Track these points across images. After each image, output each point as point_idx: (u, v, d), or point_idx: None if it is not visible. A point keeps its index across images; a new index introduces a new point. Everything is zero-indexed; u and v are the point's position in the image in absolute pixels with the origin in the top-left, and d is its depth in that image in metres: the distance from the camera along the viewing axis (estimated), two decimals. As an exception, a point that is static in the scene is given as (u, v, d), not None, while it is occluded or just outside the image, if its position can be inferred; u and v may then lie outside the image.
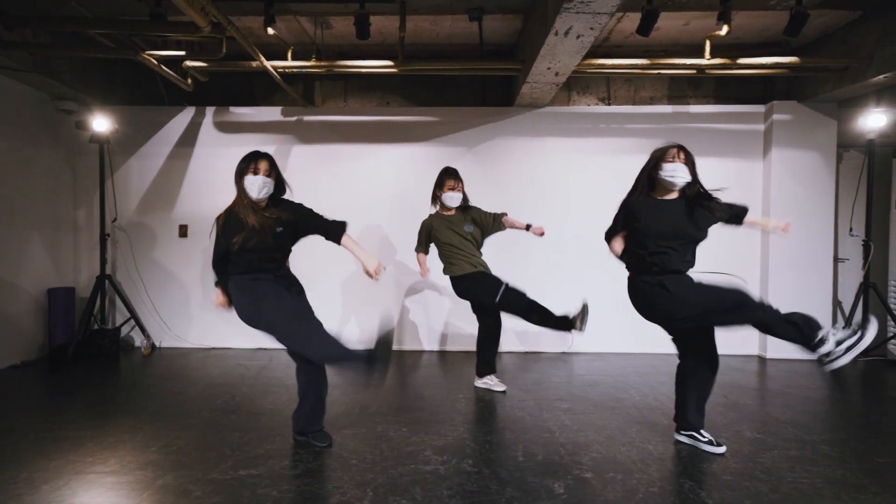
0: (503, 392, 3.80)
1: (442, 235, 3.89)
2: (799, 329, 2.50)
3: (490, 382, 3.90)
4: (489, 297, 3.73)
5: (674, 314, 2.63)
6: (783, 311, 2.57)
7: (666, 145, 2.74)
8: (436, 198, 3.95)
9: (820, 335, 2.45)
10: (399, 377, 4.29)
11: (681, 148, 2.71)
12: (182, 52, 4.34)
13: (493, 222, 3.92)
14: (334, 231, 2.78)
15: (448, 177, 3.90)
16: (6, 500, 2.20)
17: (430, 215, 4.02)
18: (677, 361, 2.93)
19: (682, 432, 2.87)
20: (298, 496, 2.25)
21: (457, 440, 2.90)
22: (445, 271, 3.92)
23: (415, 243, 4.10)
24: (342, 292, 5.34)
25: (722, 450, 2.72)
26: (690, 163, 2.71)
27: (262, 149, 5.46)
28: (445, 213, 3.95)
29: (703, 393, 2.84)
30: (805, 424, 3.19)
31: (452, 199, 3.86)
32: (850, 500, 2.25)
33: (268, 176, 2.73)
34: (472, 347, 4.91)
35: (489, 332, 3.90)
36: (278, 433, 2.97)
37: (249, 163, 2.74)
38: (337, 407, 3.46)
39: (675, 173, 2.66)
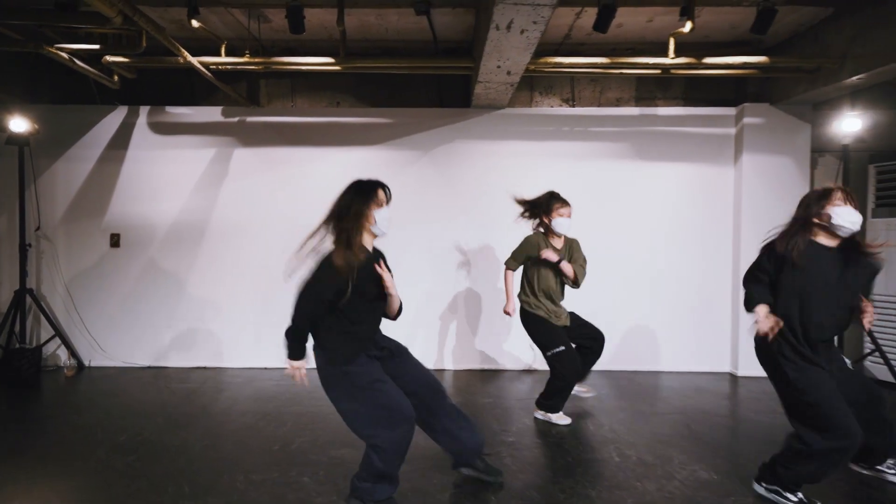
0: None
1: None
2: None
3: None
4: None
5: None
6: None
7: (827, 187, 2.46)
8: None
9: None
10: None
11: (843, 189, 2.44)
12: (97, 46, 3.95)
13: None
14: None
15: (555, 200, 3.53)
16: None
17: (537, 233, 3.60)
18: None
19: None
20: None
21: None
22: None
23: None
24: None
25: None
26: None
27: (201, 152, 5.11)
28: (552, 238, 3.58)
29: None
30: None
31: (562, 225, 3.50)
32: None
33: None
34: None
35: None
36: (172, 481, 2.60)
37: (378, 189, 2.32)
38: (253, 442, 3.10)
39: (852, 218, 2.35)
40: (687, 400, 4.04)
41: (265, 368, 4.86)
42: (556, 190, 3.61)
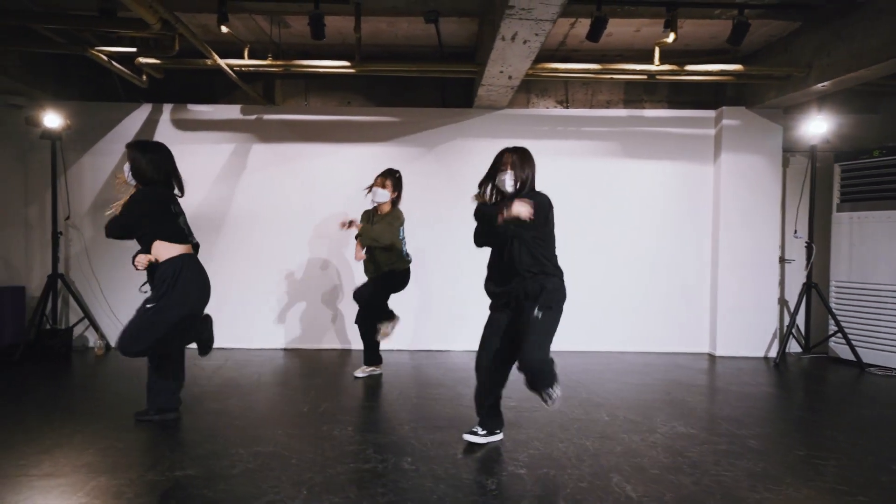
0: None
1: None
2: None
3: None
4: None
5: None
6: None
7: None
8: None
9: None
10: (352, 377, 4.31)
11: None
12: (134, 49, 4.28)
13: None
14: None
15: (379, 175, 4.10)
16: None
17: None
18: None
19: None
20: (230, 496, 2.27)
21: (400, 439, 2.95)
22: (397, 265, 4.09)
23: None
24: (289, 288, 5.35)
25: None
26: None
27: (221, 147, 5.46)
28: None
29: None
30: (738, 420, 3.33)
31: (377, 194, 4.04)
32: (765, 491, 2.36)
33: None
34: (426, 346, 5.04)
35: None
36: (221, 434, 2.98)
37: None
38: (284, 406, 3.48)
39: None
40: (668, 374, 4.48)
41: (282, 349, 5.23)
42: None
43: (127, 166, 3.01)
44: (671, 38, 4.10)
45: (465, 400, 3.67)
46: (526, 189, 2.76)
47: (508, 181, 2.74)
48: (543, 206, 2.66)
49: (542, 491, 2.35)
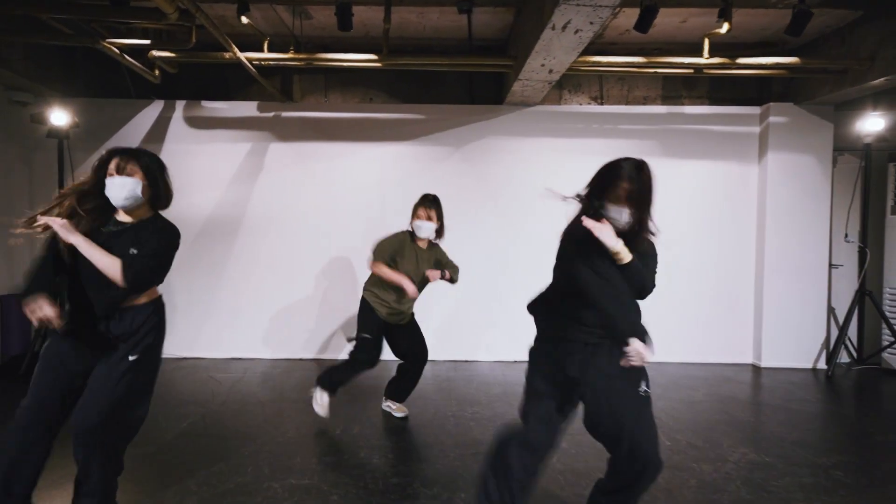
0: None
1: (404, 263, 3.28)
2: None
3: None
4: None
5: None
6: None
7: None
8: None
9: None
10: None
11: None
12: (147, 41, 4.00)
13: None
14: None
15: (421, 204, 3.33)
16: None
17: (406, 232, 3.38)
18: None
19: None
20: (271, 545, 2.00)
21: (446, 469, 2.67)
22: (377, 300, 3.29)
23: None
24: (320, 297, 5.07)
25: None
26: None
27: (237, 146, 5.17)
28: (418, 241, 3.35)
29: None
30: (811, 445, 3.04)
31: (423, 229, 3.28)
32: (874, 538, 2.08)
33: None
34: (451, 357, 4.80)
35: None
36: (251, 462, 2.70)
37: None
38: (313, 427, 3.20)
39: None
40: (717, 388, 4.18)
41: (300, 359, 4.95)
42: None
43: (133, 182, 2.00)
44: (725, 28, 3.80)
45: (505, 419, 3.38)
46: (642, 231, 1.90)
47: (623, 217, 1.86)
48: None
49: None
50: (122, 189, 1.98)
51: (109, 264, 1.94)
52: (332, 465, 2.69)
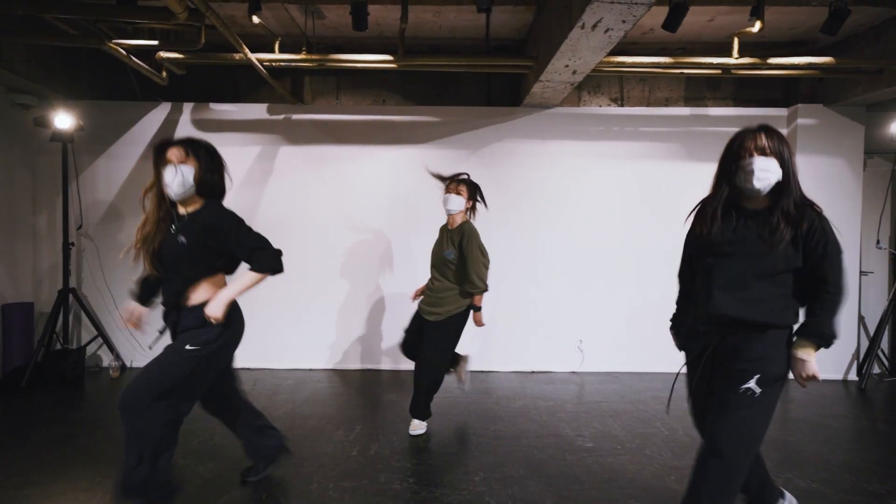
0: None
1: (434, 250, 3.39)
2: None
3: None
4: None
5: None
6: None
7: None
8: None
9: None
10: (398, 407, 3.86)
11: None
12: (155, 42, 3.86)
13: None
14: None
15: (451, 180, 3.30)
16: None
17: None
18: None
19: None
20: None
21: (473, 496, 2.50)
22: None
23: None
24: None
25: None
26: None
27: (246, 149, 5.01)
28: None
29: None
30: (859, 468, 2.86)
31: (448, 201, 3.24)
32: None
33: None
34: (470, 368, 4.61)
35: None
36: (264, 489, 2.54)
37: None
38: (328, 447, 3.04)
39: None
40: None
41: (311, 370, 4.79)
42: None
43: (183, 171, 2.15)
44: (757, 27, 3.63)
45: (529, 439, 3.23)
46: (794, 189, 1.84)
47: (759, 175, 1.77)
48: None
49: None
50: (176, 176, 2.14)
51: (251, 279, 2.27)
52: (350, 491, 2.53)
